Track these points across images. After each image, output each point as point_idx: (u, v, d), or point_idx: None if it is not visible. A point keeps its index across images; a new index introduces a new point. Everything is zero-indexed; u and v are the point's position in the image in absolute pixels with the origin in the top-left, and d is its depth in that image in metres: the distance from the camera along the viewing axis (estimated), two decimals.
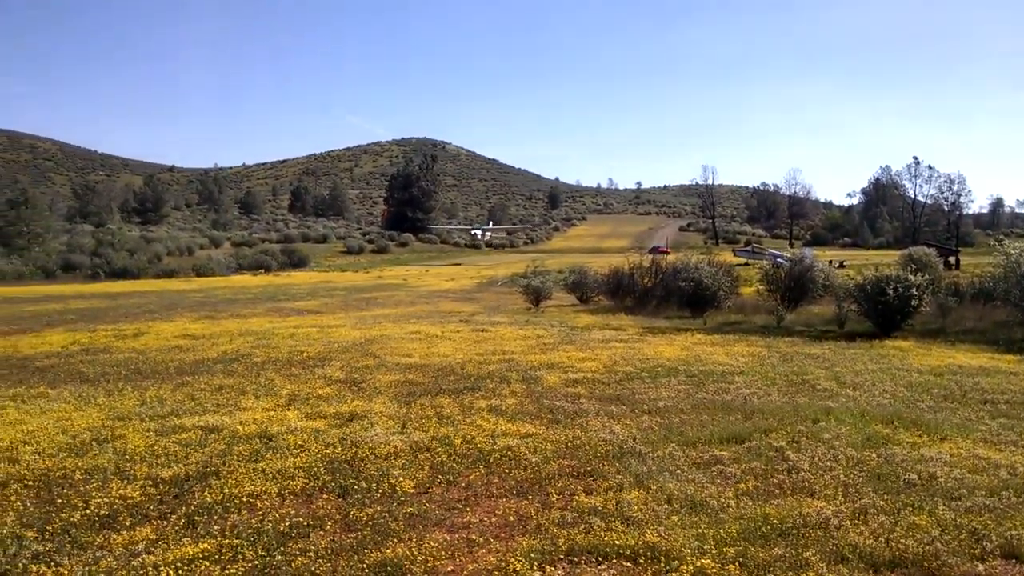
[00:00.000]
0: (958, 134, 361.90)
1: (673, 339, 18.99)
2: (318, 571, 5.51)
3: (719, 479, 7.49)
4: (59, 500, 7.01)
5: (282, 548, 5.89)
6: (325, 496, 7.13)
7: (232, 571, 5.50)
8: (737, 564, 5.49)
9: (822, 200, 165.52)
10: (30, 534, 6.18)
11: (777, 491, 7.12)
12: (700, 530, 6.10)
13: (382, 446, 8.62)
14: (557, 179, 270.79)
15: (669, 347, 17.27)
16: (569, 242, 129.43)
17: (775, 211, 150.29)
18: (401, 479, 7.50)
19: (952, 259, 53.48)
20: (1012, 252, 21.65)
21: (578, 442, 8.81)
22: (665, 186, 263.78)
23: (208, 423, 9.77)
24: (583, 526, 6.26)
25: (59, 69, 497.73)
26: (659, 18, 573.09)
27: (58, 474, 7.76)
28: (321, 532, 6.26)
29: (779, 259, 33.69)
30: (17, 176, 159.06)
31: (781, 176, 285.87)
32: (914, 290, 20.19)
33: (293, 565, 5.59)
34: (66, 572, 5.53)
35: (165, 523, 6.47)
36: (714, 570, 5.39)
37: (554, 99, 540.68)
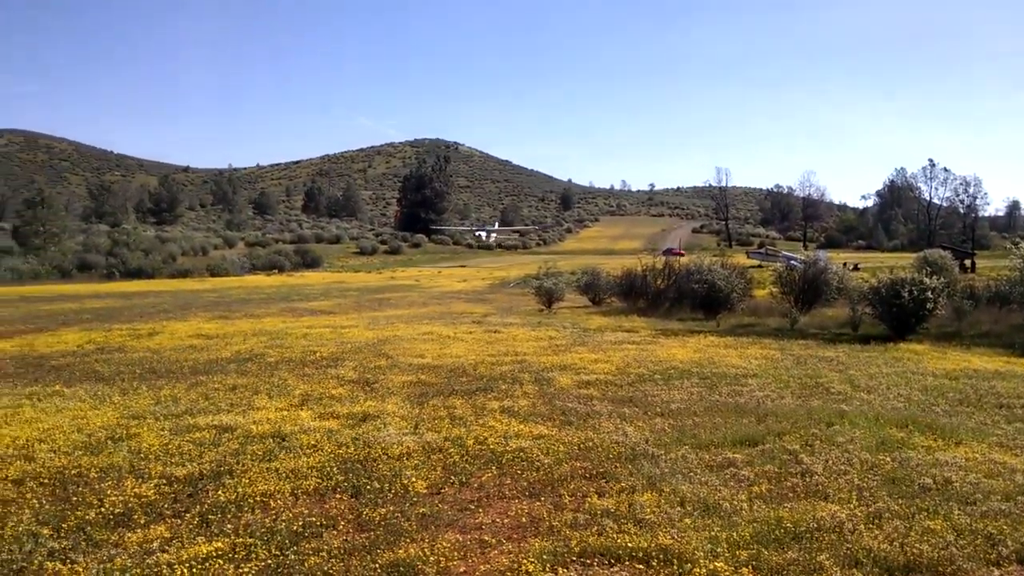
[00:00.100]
0: (975, 136, 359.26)
1: (686, 341, 18.94)
2: (331, 571, 5.53)
3: (732, 482, 7.45)
4: (74, 498, 7.08)
5: (295, 547, 5.92)
6: (338, 496, 7.15)
7: (245, 570, 5.53)
8: (750, 567, 5.47)
9: (836, 202, 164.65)
10: (45, 531, 6.24)
11: (791, 494, 7.08)
12: (713, 533, 6.07)
13: (395, 446, 8.64)
14: (570, 180, 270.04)
15: (682, 349, 17.23)
16: (582, 243, 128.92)
17: (789, 213, 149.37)
18: (413, 479, 7.52)
19: (968, 262, 52.86)
20: None
21: (590, 444, 8.80)
22: (678, 188, 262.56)
23: (222, 422, 9.82)
24: (595, 528, 6.25)
25: (59, 69, 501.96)
26: (659, 18, 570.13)
27: (73, 472, 7.82)
28: (334, 532, 6.28)
29: (793, 261, 33.52)
30: (34, 176, 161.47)
31: (794, 178, 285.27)
32: (929, 293, 20.02)
33: (306, 564, 5.61)
34: (81, 570, 5.57)
35: (179, 522, 6.51)
36: (727, 573, 5.37)
37: (561, 99, 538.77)
